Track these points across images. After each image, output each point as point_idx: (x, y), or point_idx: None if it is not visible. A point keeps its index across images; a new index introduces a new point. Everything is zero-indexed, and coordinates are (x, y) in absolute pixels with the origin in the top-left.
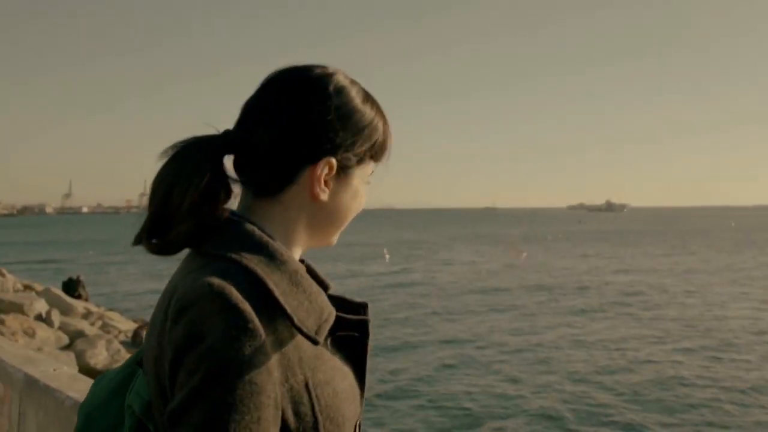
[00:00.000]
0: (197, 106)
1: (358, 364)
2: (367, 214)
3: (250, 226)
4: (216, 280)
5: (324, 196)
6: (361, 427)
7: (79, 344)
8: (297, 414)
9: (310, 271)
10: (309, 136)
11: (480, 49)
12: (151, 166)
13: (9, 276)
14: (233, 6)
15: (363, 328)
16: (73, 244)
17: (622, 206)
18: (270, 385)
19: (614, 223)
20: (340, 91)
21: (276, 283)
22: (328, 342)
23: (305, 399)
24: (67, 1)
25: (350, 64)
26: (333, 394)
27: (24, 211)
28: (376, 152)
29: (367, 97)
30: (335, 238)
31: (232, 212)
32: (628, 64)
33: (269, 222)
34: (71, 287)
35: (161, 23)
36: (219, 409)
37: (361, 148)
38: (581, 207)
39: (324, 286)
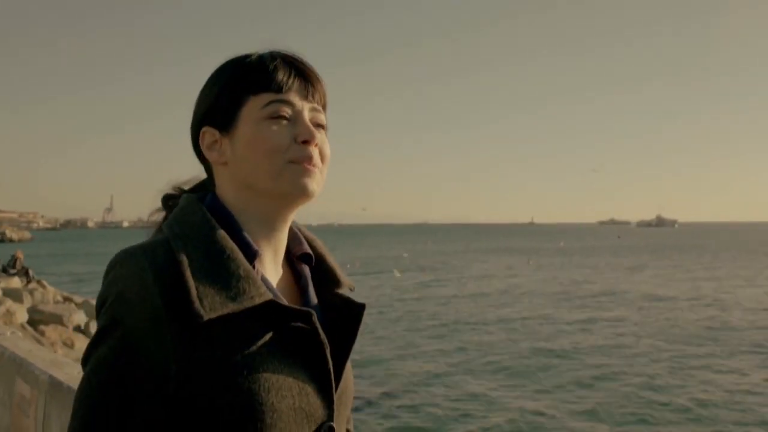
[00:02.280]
0: None
1: (317, 361)
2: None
3: (197, 205)
4: (130, 249)
5: (222, 158)
6: None
7: None
8: (201, 389)
9: (323, 267)
10: (192, 120)
11: (520, 67)
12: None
13: (49, 288)
14: (271, 22)
15: (310, 321)
16: (112, 256)
17: (673, 221)
18: (156, 352)
19: (661, 238)
20: (214, 72)
21: (192, 258)
22: (270, 332)
23: (210, 376)
24: (107, 16)
25: (388, 81)
26: (252, 380)
27: (66, 225)
28: (241, 87)
29: (229, 60)
30: (301, 187)
31: (201, 195)
32: (670, 81)
33: (224, 198)
34: None
35: (200, 39)
36: (100, 364)
37: (222, 96)
38: (612, 222)
39: (335, 282)
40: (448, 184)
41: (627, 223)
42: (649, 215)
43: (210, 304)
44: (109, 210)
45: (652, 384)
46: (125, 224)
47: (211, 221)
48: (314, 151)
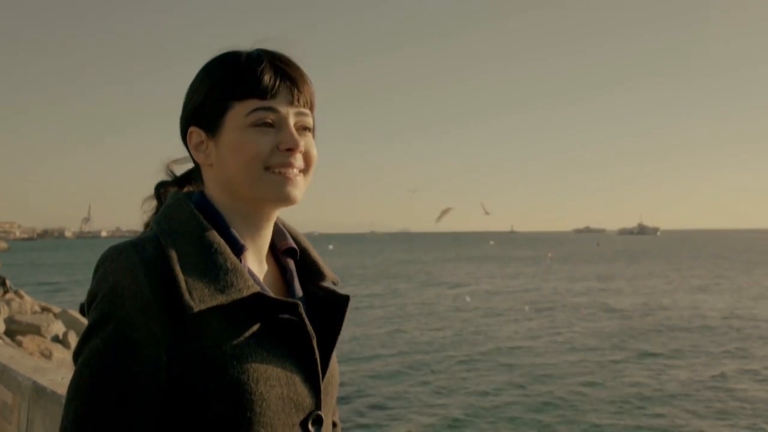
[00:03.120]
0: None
1: (304, 351)
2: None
3: (185, 203)
4: (120, 245)
5: (208, 160)
6: (321, 422)
7: None
8: (191, 381)
9: (307, 261)
10: (181, 115)
11: (498, 72)
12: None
13: (27, 298)
14: (250, 29)
15: (297, 313)
16: (91, 266)
17: (655, 229)
18: (148, 343)
19: (640, 246)
20: (203, 68)
21: (181, 253)
22: (258, 324)
23: (200, 367)
24: (84, 25)
25: (365, 87)
26: (241, 370)
27: (44, 234)
28: (227, 92)
29: (219, 57)
30: (283, 196)
31: (188, 193)
32: (650, 85)
33: (211, 196)
34: None
35: (178, 46)
36: (93, 356)
37: (209, 99)
38: (587, 230)
39: (319, 275)
40: (429, 192)
41: (602, 230)
42: (630, 222)
43: (199, 297)
44: (87, 220)
45: (592, 383)
46: (103, 234)
47: (199, 217)
48: (297, 159)
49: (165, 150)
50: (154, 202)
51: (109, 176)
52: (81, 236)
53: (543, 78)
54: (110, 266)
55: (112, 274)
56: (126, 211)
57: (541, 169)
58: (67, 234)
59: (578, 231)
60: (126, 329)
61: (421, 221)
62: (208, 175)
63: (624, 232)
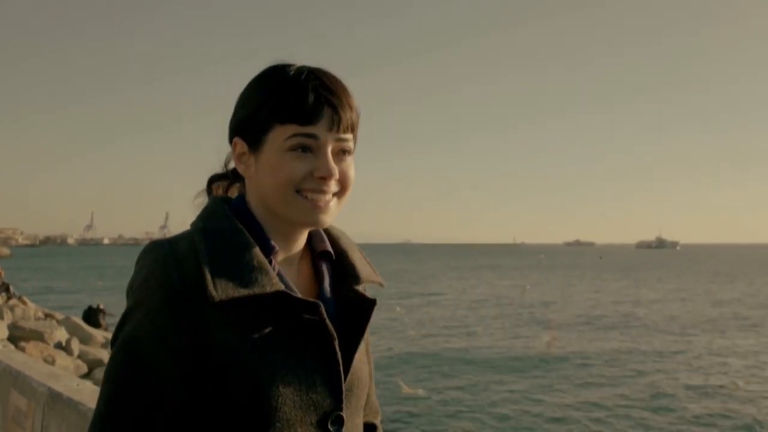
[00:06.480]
0: (219, 138)
1: (325, 352)
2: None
3: (221, 205)
4: (158, 241)
5: (248, 172)
6: (342, 422)
7: (98, 373)
8: (212, 372)
9: (344, 264)
10: (230, 122)
11: (506, 84)
12: (172, 198)
13: (30, 304)
14: (251, 39)
15: (318, 313)
16: (93, 272)
17: (675, 243)
18: (174, 332)
19: (661, 259)
20: (254, 80)
21: (211, 249)
22: (281, 323)
23: (221, 360)
24: (87, 31)
25: (368, 98)
26: (259, 366)
27: (46, 241)
28: (270, 113)
29: (268, 73)
30: (312, 221)
31: (226, 197)
32: (662, 98)
33: (250, 202)
34: (91, 316)
35: (181, 56)
36: (124, 341)
37: (254, 117)
38: (577, 243)
39: (355, 278)
40: (430, 204)
41: (591, 244)
42: (646, 236)
43: (222, 288)
44: (89, 227)
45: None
46: (106, 241)
47: (232, 219)
48: (330, 186)
49: (169, 158)
50: (205, 197)
51: (112, 184)
52: (83, 243)
53: (555, 89)
54: (146, 260)
55: (146, 267)
56: (128, 218)
57: (543, 181)
58: (70, 241)
59: (568, 244)
60: (155, 317)
61: (422, 233)
62: (248, 183)
63: (642, 246)
